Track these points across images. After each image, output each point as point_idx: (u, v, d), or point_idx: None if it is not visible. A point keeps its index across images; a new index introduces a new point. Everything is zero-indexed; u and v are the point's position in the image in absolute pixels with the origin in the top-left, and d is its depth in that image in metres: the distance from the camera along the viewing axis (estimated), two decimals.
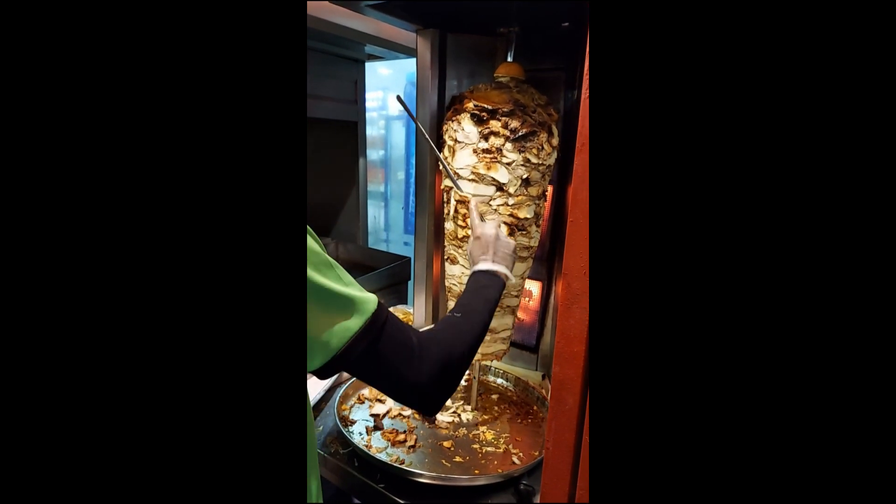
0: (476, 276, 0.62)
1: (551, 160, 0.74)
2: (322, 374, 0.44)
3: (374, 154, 3.03)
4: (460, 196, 0.75)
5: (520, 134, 0.70)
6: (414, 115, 0.76)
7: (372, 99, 2.92)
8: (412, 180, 2.67)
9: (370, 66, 1.39)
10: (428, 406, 0.49)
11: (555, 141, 0.74)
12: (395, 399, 0.49)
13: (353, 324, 0.43)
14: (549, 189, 0.90)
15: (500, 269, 0.62)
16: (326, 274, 0.43)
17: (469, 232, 0.75)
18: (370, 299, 0.45)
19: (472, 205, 0.72)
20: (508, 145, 0.71)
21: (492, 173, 0.72)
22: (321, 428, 0.84)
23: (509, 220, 0.74)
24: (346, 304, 0.43)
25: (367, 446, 0.76)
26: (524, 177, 0.72)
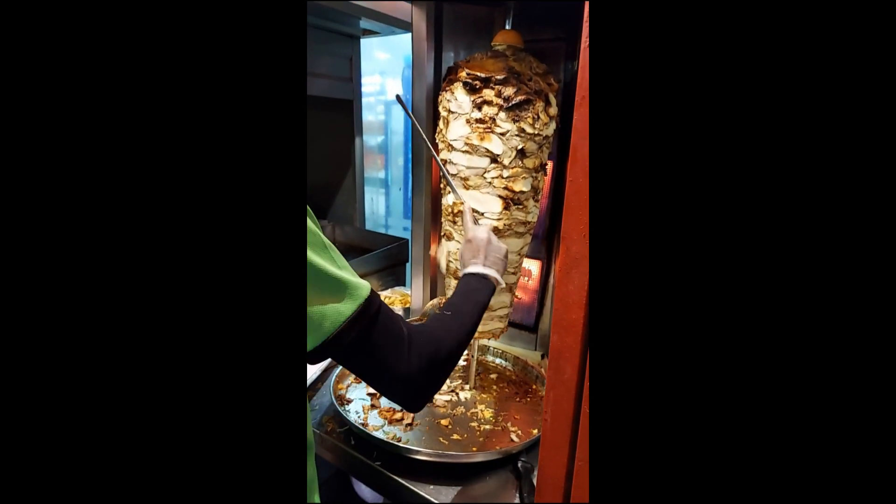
0: (466, 278, 0.62)
1: (549, 130, 0.72)
2: (312, 358, 0.44)
3: (373, 140, 2.99)
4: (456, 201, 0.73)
5: (514, 102, 0.67)
6: (411, 111, 0.74)
7: (370, 83, 2.87)
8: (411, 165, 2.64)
9: (368, 50, 1.35)
10: (414, 399, 0.49)
11: (552, 110, 0.71)
12: (382, 391, 0.49)
13: (346, 308, 0.42)
14: (549, 164, 0.87)
15: (491, 272, 0.62)
16: (321, 255, 0.42)
17: (462, 207, 0.73)
18: (363, 285, 0.44)
19: (466, 207, 0.72)
20: (502, 114, 0.68)
21: (485, 144, 0.69)
22: (317, 407, 0.83)
23: (504, 192, 0.72)
24: (340, 288, 0.42)
25: (363, 424, 0.75)
26: (519, 147, 0.69)
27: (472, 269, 0.62)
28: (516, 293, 0.97)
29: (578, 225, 0.40)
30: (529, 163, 0.71)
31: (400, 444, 0.70)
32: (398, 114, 2.92)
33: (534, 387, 0.90)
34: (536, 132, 0.69)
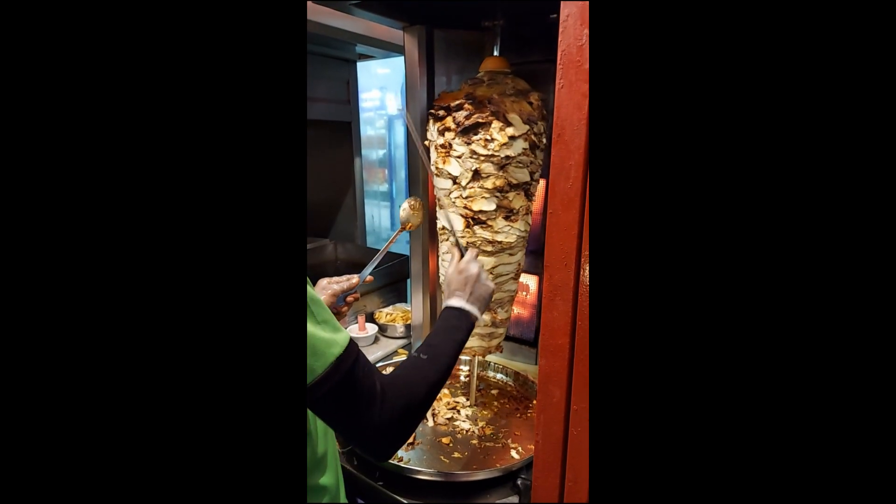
0: (448, 312, 0.62)
1: (510, 151, 0.72)
2: None
3: (374, 154, 3.02)
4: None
5: (463, 126, 0.71)
6: (407, 122, 0.78)
7: (371, 99, 2.91)
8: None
9: (367, 66, 1.38)
10: (382, 450, 0.48)
11: (512, 130, 0.72)
12: (351, 442, 0.48)
13: (318, 365, 0.42)
14: (542, 182, 0.89)
15: (472, 309, 0.62)
16: None
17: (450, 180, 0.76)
18: (337, 342, 0.44)
19: (457, 237, 0.75)
20: (457, 139, 0.73)
21: (447, 167, 0.75)
22: None
23: (464, 212, 0.75)
24: (313, 343, 0.42)
25: None
26: (473, 168, 0.73)
27: (454, 302, 0.63)
28: (515, 308, 0.98)
29: (560, 254, 0.42)
30: (489, 183, 0.73)
31: (402, 465, 0.71)
32: (400, 128, 2.96)
33: (534, 402, 0.91)
34: (491, 153, 0.71)
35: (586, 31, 0.37)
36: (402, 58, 0.94)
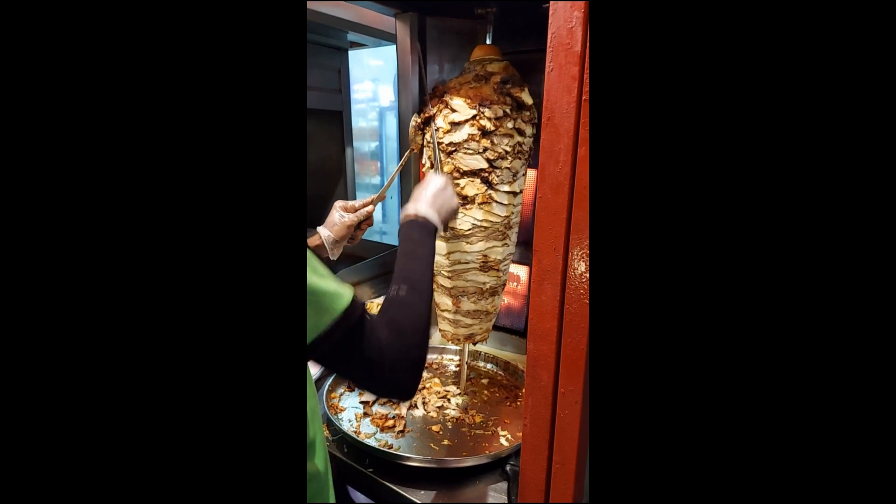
0: (406, 229, 0.60)
1: (453, 138, 0.73)
2: None
3: (366, 146, 3.01)
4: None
5: (423, 119, 0.77)
6: (398, 123, 0.84)
7: (363, 90, 2.89)
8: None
9: (359, 57, 1.37)
10: (401, 392, 0.50)
11: (454, 117, 0.72)
12: (370, 388, 0.53)
13: (323, 321, 0.42)
14: (533, 172, 0.89)
15: (430, 213, 0.60)
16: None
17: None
18: (343, 295, 0.44)
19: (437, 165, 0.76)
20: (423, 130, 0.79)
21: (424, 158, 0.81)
22: None
23: None
24: (317, 299, 0.41)
25: (355, 432, 0.77)
26: (429, 156, 0.77)
27: (410, 207, 0.61)
28: (505, 298, 0.98)
29: (549, 238, 0.42)
30: (439, 169, 0.76)
31: (391, 451, 0.71)
32: (392, 120, 2.94)
33: (524, 391, 0.92)
34: (439, 140, 0.74)
35: (576, 13, 0.37)
36: (394, 47, 0.93)
